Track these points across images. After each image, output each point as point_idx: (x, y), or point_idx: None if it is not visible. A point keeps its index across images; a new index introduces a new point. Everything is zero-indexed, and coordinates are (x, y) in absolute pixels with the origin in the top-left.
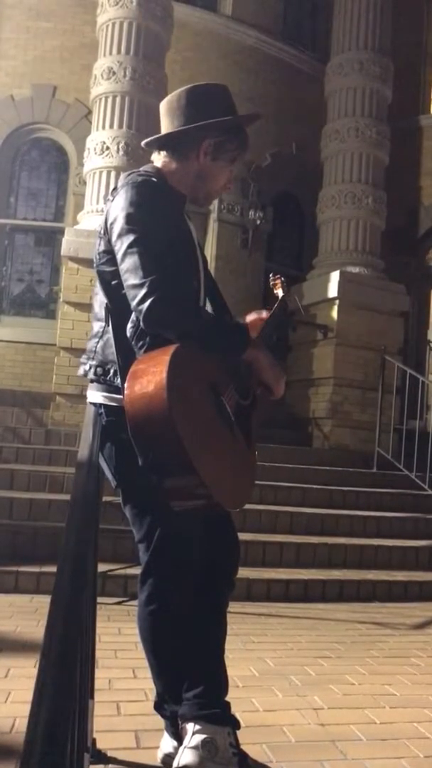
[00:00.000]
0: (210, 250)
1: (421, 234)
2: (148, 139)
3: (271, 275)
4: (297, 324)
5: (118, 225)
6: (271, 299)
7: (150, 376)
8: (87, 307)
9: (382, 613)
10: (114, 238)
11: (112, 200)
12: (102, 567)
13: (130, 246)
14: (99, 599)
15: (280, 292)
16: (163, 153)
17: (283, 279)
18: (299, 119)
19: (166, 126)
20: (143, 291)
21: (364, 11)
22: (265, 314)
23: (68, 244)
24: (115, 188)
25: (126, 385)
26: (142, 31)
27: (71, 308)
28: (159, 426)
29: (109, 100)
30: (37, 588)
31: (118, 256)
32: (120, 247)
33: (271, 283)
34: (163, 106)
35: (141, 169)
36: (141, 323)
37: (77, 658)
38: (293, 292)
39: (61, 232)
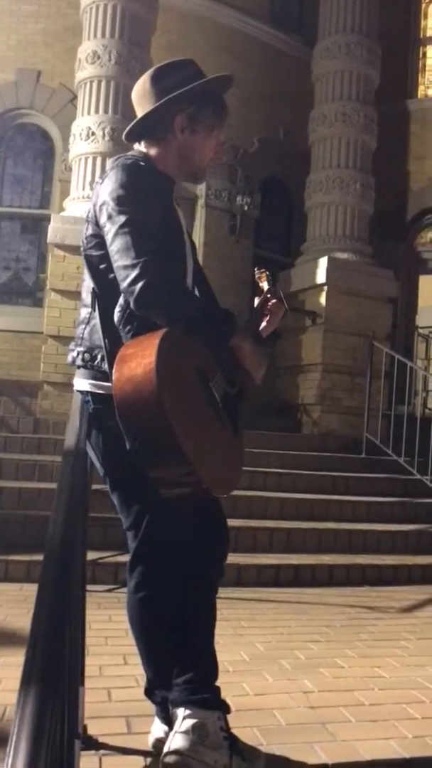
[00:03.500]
0: (197, 237)
1: (409, 219)
2: (125, 132)
3: (256, 269)
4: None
5: (108, 207)
6: (256, 287)
7: (139, 359)
8: (74, 295)
9: (371, 597)
10: (104, 219)
11: (101, 183)
12: (92, 555)
13: (121, 227)
14: (89, 587)
15: (265, 284)
16: (143, 141)
17: (268, 273)
18: (287, 104)
19: (138, 114)
20: (135, 272)
21: None
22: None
23: (54, 231)
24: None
25: (114, 369)
26: (126, 14)
27: (58, 296)
28: (147, 410)
29: (94, 84)
30: (27, 576)
31: (108, 237)
32: (110, 228)
33: (256, 276)
34: (133, 96)
35: (129, 153)
36: (131, 304)
37: (64, 646)
38: (279, 285)
39: (48, 219)
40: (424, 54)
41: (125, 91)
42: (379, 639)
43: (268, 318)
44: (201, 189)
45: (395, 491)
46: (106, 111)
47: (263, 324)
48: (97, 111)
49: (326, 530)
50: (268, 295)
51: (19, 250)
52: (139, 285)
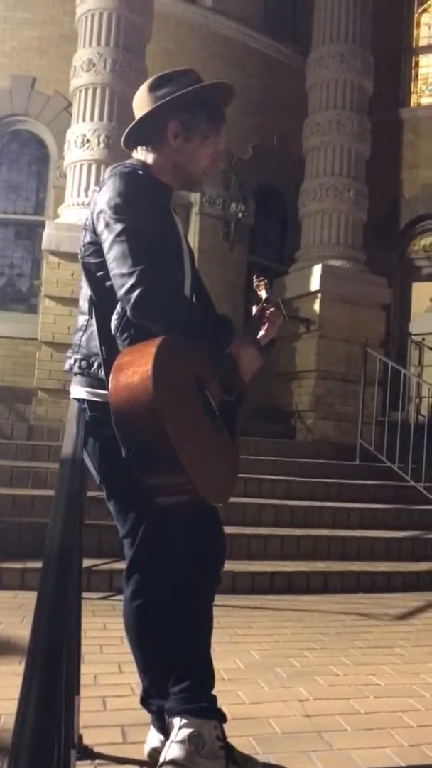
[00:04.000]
0: (192, 243)
1: (402, 227)
2: (122, 138)
3: (254, 277)
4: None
5: (106, 215)
6: (254, 295)
7: (135, 367)
8: (69, 301)
9: (365, 604)
10: (101, 227)
11: (99, 191)
12: (87, 562)
13: (118, 235)
14: (84, 594)
15: (264, 293)
16: (140, 149)
17: (266, 281)
18: (281, 112)
19: None
20: (132, 280)
21: (344, 3)
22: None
23: (49, 237)
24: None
25: (111, 376)
26: (122, 22)
27: (52, 302)
28: (143, 418)
29: (90, 92)
30: (22, 584)
31: (106, 245)
32: (107, 236)
33: (255, 284)
34: (133, 103)
35: (127, 161)
36: (128, 313)
37: (63, 656)
38: (276, 292)
39: (42, 225)
40: (417, 63)
41: (120, 98)
42: (373, 646)
43: (266, 326)
44: (195, 196)
45: (389, 498)
46: (101, 118)
47: (261, 332)
48: (92, 118)
49: (320, 537)
50: (266, 304)
51: (14, 257)
52: (136, 293)
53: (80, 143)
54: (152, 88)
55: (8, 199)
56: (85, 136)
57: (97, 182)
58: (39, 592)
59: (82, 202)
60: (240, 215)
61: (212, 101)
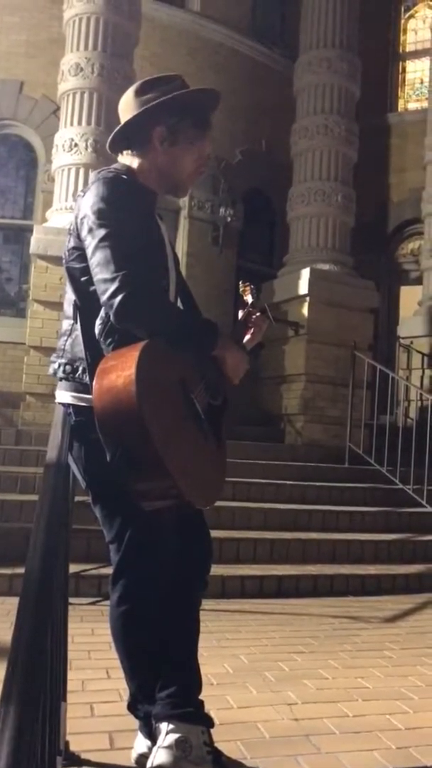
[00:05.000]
0: (181, 248)
1: (390, 231)
2: (108, 143)
3: (240, 282)
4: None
5: (89, 220)
6: (240, 300)
7: (119, 371)
8: (57, 306)
9: (355, 607)
10: (84, 233)
11: (83, 196)
12: (75, 567)
13: (101, 240)
14: (72, 600)
15: (249, 298)
16: (125, 153)
17: (252, 286)
18: (269, 116)
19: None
20: (114, 285)
21: (332, 9)
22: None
23: (37, 242)
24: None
25: (95, 381)
26: (109, 27)
27: (41, 307)
28: (127, 422)
29: (77, 96)
30: (10, 590)
31: (89, 251)
32: (90, 241)
33: (241, 289)
34: (119, 108)
35: (112, 166)
36: (111, 318)
37: (45, 662)
38: (263, 297)
39: (30, 229)
40: (404, 68)
41: (108, 103)
42: (362, 649)
43: (252, 331)
44: (184, 200)
45: (378, 501)
46: (88, 123)
47: (247, 337)
48: (80, 123)
49: (310, 540)
50: (252, 308)
51: (2, 261)
52: (119, 298)
53: (68, 147)
54: (138, 93)
55: None
56: (73, 140)
57: (86, 186)
58: (21, 597)
59: (70, 207)
60: (229, 219)
61: (199, 107)
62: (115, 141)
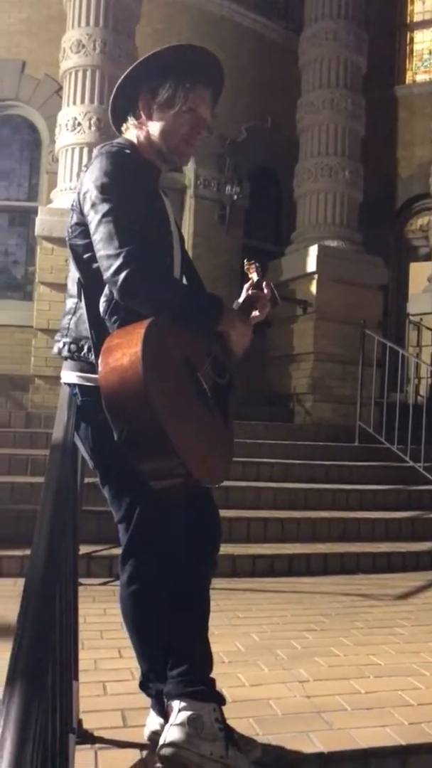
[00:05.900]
0: (187, 227)
1: (398, 206)
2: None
3: (245, 261)
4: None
5: (92, 195)
6: (245, 278)
7: (125, 349)
8: (63, 288)
9: (366, 585)
10: (87, 208)
11: (86, 171)
12: (86, 548)
13: (104, 215)
14: (84, 580)
15: (254, 276)
16: (123, 127)
17: (257, 264)
18: (275, 92)
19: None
20: (118, 261)
21: None
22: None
23: (42, 223)
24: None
25: (100, 360)
26: (110, 2)
27: (47, 289)
28: (133, 401)
29: (80, 74)
30: (21, 571)
31: (92, 226)
32: (93, 216)
33: (246, 267)
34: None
35: (115, 141)
36: (116, 294)
37: (50, 641)
38: (269, 274)
39: (36, 211)
40: (412, 39)
41: (110, 80)
42: (374, 627)
43: (257, 309)
44: (190, 179)
45: (388, 479)
46: (91, 101)
47: (254, 313)
48: (82, 101)
49: (320, 519)
50: (256, 288)
51: (8, 243)
52: (123, 275)
53: (71, 126)
54: (134, 66)
55: (0, 186)
56: (76, 119)
57: (89, 162)
58: (26, 577)
59: (75, 187)
60: (235, 197)
61: (183, 67)
62: (114, 117)
